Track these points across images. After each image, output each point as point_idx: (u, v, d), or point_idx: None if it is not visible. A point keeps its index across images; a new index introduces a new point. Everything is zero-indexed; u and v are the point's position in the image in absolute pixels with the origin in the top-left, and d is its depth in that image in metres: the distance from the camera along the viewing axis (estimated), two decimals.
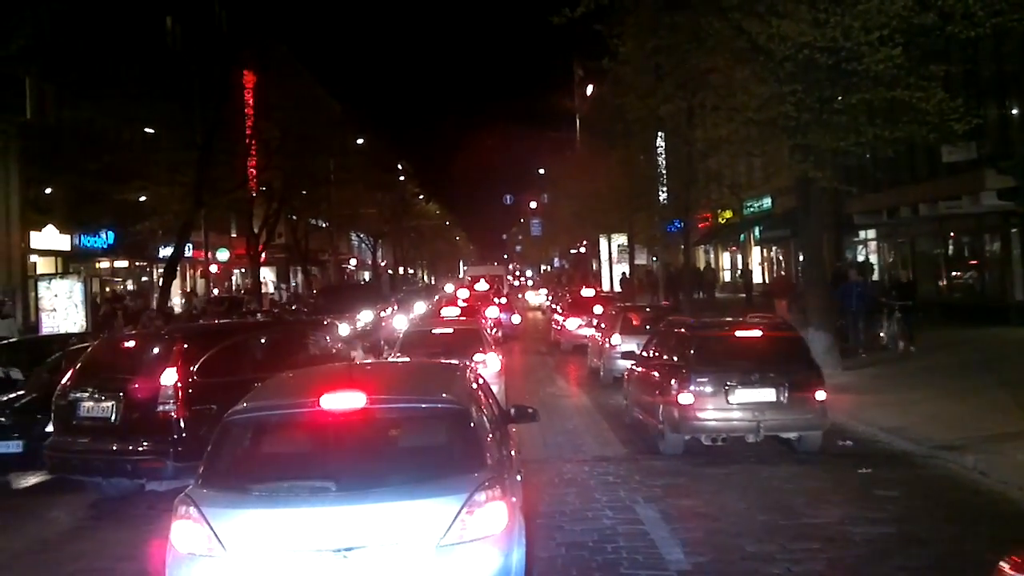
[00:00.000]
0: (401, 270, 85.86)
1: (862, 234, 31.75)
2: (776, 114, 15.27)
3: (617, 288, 46.05)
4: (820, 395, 10.93)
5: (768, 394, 10.77)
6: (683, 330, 12.42)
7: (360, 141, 50.43)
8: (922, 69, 14.48)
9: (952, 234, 26.42)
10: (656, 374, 12.19)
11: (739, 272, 42.34)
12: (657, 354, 12.77)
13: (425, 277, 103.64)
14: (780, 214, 33.35)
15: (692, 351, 11.42)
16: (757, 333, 11.71)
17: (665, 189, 34.55)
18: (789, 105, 14.72)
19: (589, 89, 63.86)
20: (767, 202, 37.11)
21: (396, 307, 36.51)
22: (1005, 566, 3.87)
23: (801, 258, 22.69)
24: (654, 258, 52.05)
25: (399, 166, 68.59)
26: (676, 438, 11.21)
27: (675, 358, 11.79)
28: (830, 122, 15.19)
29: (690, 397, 10.85)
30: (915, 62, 14.44)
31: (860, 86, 14.79)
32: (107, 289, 36.32)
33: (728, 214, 41.73)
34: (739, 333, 11.94)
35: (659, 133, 34.65)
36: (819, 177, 15.84)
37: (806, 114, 14.94)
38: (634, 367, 13.56)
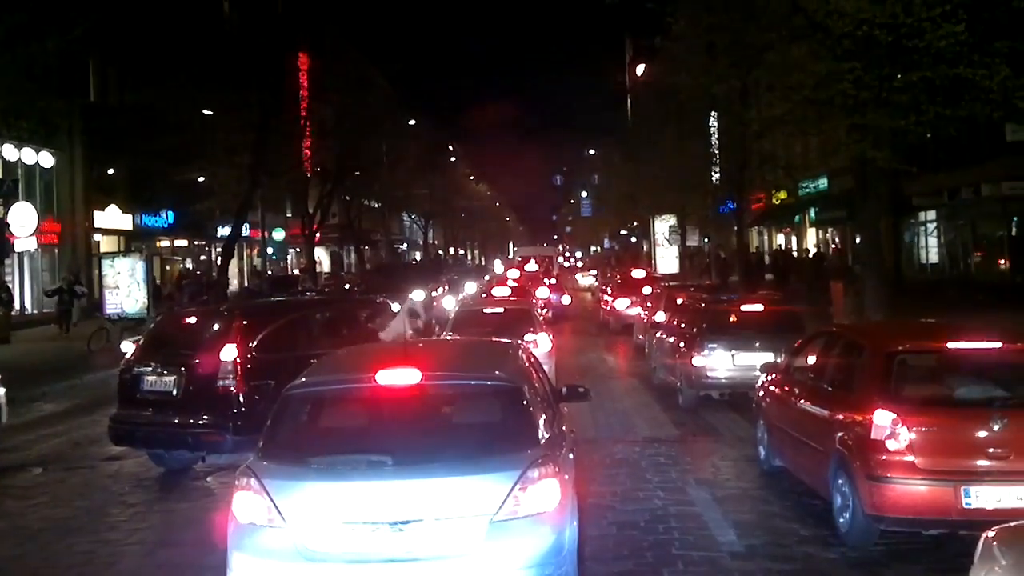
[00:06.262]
0: (452, 250, 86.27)
1: (921, 216, 31.07)
2: (834, 92, 14.92)
3: (666, 270, 45.67)
4: None
5: (767, 357, 11.90)
6: (700, 304, 14.75)
7: (412, 123, 50.66)
8: (986, 45, 14.02)
9: (1016, 216, 25.72)
10: (674, 340, 14.25)
11: (810, 253, 41.37)
12: (676, 323, 14.88)
13: (475, 257, 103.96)
14: (837, 195, 32.73)
15: (704, 322, 13.50)
16: (759, 307, 13.90)
17: (718, 170, 34.11)
18: (847, 83, 14.38)
19: (640, 68, 63.19)
20: (823, 183, 36.40)
21: (447, 287, 36.74)
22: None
23: (858, 240, 22.26)
24: (706, 239, 51.53)
25: (450, 147, 68.77)
26: (691, 393, 13.18)
27: (692, 328, 13.70)
28: (890, 101, 14.80)
29: (702, 359, 12.80)
30: (979, 38, 14.00)
31: (921, 63, 14.38)
32: (166, 268, 37.17)
33: (783, 195, 41.03)
34: (744, 307, 14.04)
35: (712, 112, 34.20)
36: (877, 157, 15.48)
37: (865, 92, 14.59)
38: (659, 335, 15.71)
